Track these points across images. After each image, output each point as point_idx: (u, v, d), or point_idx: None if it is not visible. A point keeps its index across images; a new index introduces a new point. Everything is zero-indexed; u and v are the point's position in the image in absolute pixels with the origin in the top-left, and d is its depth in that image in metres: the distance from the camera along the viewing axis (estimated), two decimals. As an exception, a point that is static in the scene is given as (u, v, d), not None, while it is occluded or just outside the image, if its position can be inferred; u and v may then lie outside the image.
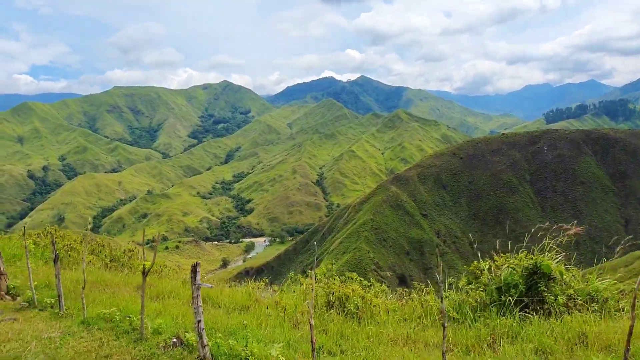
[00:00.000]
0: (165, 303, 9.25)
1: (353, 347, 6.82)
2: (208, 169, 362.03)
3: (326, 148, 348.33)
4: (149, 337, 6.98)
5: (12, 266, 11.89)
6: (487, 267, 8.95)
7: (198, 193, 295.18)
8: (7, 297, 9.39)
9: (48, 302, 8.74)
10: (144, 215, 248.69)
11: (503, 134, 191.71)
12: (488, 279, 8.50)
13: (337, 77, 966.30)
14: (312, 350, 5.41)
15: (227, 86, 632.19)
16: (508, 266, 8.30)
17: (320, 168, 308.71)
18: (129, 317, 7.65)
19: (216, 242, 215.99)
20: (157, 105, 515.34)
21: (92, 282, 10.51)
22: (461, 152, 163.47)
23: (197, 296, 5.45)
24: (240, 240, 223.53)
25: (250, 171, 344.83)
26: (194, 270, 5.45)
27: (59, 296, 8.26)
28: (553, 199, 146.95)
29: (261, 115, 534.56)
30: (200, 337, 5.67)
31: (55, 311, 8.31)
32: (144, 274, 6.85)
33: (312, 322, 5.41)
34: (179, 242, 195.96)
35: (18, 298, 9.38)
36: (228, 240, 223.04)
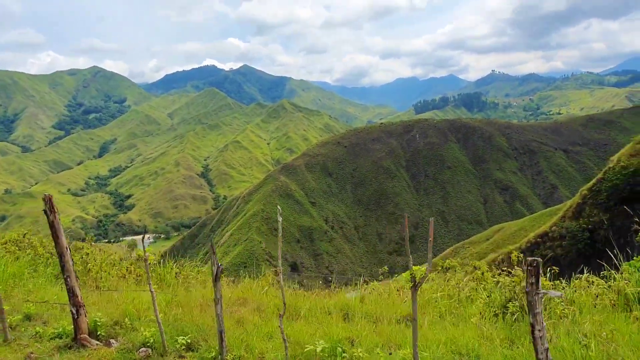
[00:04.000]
0: (313, 322, 6.78)
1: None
2: (79, 164, 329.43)
3: (210, 139, 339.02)
4: None
5: (15, 289, 8.62)
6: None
7: (69, 190, 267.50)
8: (94, 342, 6.13)
9: (182, 342, 5.89)
10: (2, 218, 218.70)
11: (381, 123, 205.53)
12: None
13: (220, 65, 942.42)
14: None
15: (98, 72, 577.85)
16: None
17: (205, 160, 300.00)
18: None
19: (93, 244, 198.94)
20: (12, 92, 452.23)
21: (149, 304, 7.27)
22: (345, 141, 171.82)
23: (540, 312, 3.74)
24: (121, 239, 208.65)
25: (129, 165, 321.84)
26: (535, 273, 3.73)
27: (220, 332, 5.59)
28: (425, 183, 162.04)
29: (139, 104, 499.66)
30: None
31: (209, 355, 5.61)
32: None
33: None
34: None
35: (113, 342, 6.20)
36: (107, 240, 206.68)
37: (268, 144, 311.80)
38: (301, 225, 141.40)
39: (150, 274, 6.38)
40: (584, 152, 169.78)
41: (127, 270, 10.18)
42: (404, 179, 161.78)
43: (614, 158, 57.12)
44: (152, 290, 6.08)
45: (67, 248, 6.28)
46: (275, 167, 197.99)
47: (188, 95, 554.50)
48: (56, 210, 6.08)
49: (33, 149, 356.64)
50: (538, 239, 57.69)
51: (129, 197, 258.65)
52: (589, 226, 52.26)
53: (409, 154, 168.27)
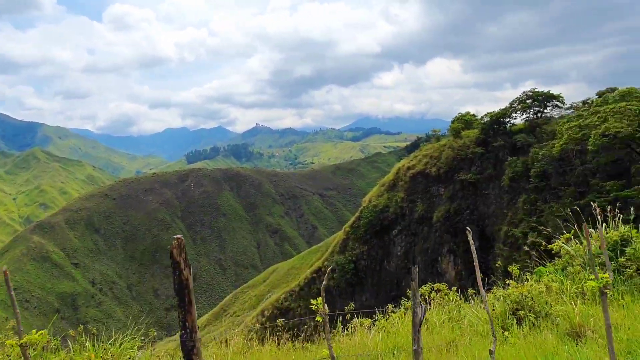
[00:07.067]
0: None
1: None
2: None
3: None
4: None
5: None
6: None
7: None
8: None
9: None
10: None
11: (154, 173, 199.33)
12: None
13: None
14: None
15: None
16: None
17: None
18: None
19: None
20: None
21: None
22: (113, 192, 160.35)
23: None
24: None
25: None
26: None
27: None
28: (202, 232, 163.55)
29: None
30: None
31: None
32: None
33: None
34: None
35: None
36: None
37: (14, 199, 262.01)
38: (62, 292, 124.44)
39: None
40: (334, 196, 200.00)
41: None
42: (179, 230, 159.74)
43: (366, 199, 70.05)
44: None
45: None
46: (25, 226, 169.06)
47: None
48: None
49: None
50: (314, 274, 66.41)
51: None
52: (353, 258, 63.58)
53: (184, 203, 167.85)
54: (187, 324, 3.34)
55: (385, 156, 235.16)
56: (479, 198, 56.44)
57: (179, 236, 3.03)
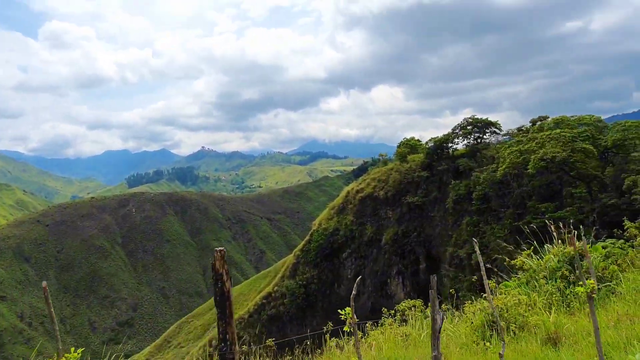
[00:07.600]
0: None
1: None
2: None
3: None
4: None
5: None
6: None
7: None
8: None
9: None
10: None
11: (92, 198, 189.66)
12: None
13: None
14: None
15: None
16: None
17: None
18: None
19: None
20: None
21: None
22: (47, 219, 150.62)
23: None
24: None
25: None
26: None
27: None
28: (144, 259, 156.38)
29: None
30: None
31: None
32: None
33: None
34: None
35: None
36: None
37: None
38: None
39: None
40: (282, 220, 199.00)
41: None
42: (120, 257, 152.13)
43: (316, 222, 69.83)
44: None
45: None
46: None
47: None
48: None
49: None
50: (264, 300, 64.87)
51: None
52: (304, 282, 62.88)
53: (125, 229, 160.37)
54: (227, 336, 3.28)
55: (332, 180, 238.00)
56: (425, 220, 58.30)
57: (221, 248, 3.18)
